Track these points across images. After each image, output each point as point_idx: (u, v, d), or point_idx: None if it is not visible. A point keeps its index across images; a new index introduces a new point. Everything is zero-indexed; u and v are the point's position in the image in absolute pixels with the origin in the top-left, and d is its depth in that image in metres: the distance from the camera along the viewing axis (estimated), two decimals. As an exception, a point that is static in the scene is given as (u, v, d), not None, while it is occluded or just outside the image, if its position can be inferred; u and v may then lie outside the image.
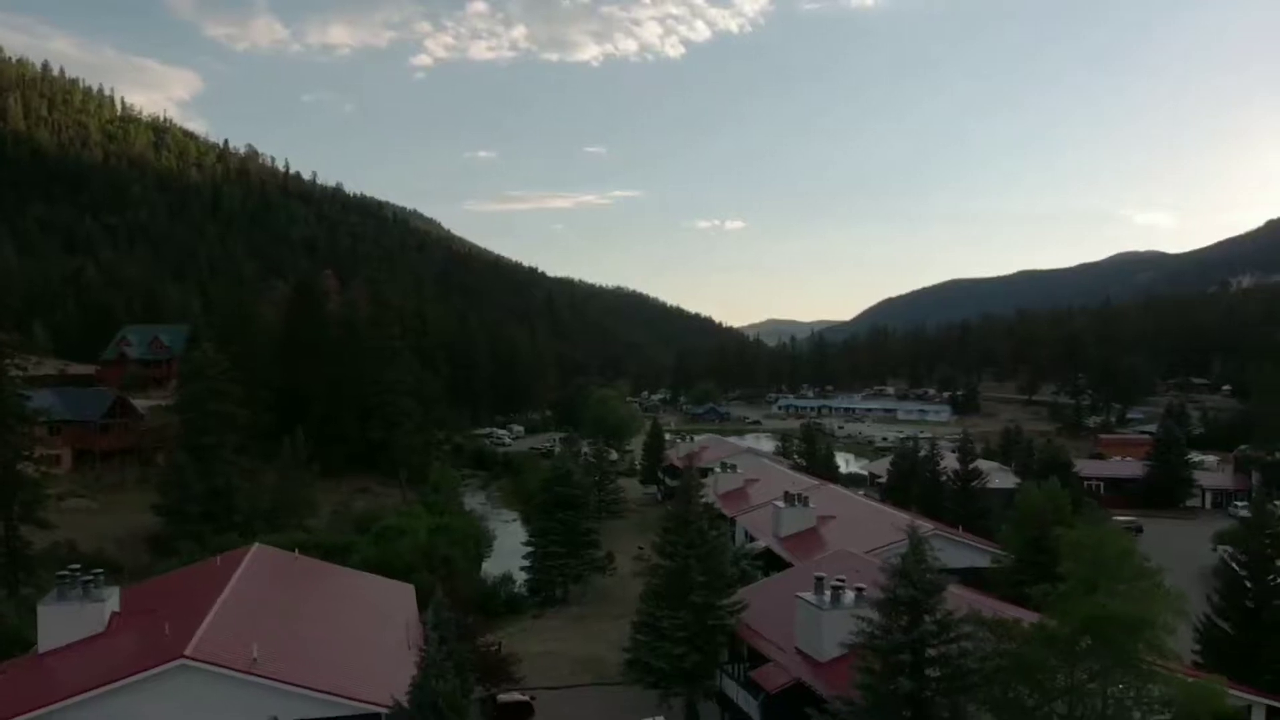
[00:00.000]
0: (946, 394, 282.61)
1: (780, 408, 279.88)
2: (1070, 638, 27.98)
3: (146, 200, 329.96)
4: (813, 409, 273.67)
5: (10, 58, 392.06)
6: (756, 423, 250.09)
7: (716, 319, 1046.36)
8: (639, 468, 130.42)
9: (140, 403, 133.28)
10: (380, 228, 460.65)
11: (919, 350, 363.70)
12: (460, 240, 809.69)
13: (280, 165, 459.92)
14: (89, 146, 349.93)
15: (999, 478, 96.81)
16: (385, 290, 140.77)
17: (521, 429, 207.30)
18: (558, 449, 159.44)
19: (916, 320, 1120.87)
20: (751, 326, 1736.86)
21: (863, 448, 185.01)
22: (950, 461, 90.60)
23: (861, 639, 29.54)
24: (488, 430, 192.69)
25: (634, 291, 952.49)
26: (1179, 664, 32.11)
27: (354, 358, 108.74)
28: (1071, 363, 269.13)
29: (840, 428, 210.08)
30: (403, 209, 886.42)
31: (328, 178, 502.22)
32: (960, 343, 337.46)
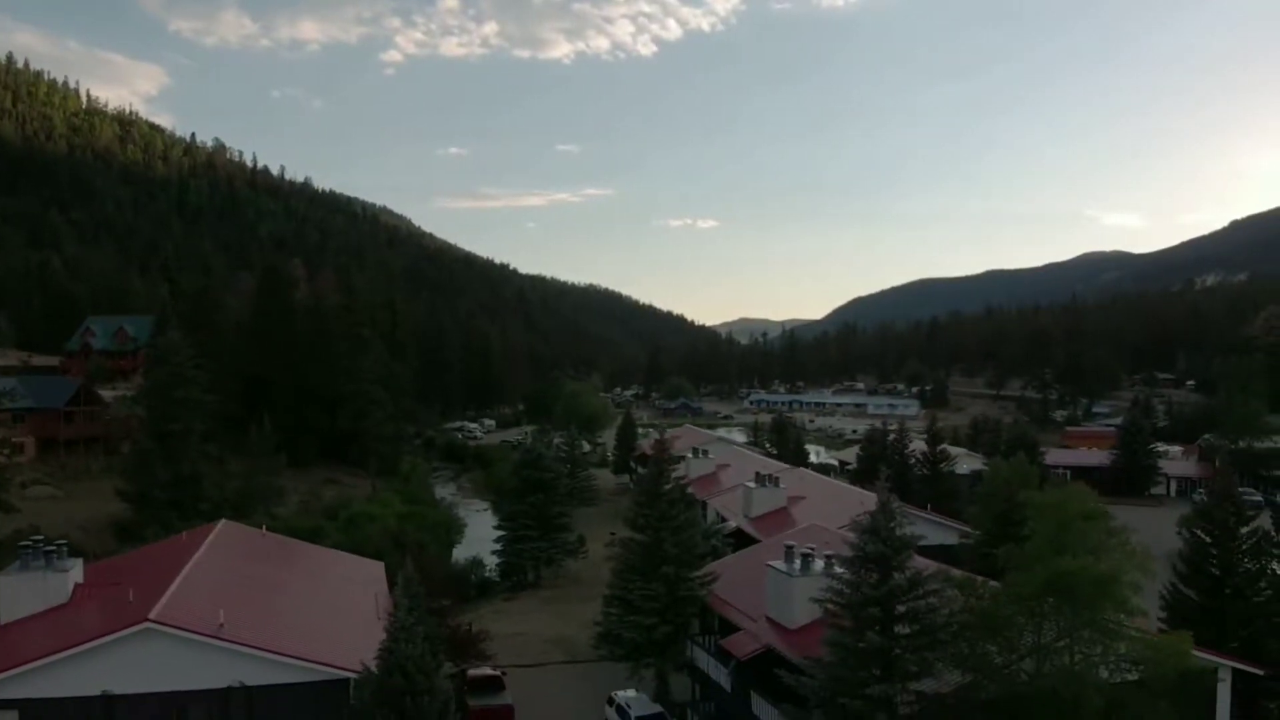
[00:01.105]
0: (915, 389, 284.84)
1: (752, 402, 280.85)
2: (1036, 595, 28.26)
3: (112, 194, 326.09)
4: (784, 404, 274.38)
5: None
6: (728, 417, 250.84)
7: (689, 317, 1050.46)
8: (611, 458, 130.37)
9: (106, 394, 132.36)
10: (349, 223, 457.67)
11: (887, 347, 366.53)
12: (431, 237, 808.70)
13: (248, 160, 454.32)
14: (53, 139, 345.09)
15: (967, 463, 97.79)
16: (354, 281, 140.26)
17: (493, 423, 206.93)
18: (530, 440, 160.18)
19: (887, 319, 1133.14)
20: (724, 325, 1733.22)
21: (833, 440, 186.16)
22: (919, 446, 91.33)
23: (832, 595, 29.70)
24: (459, 424, 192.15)
25: (607, 290, 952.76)
26: (1146, 623, 32.46)
27: (322, 347, 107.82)
28: (1039, 358, 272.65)
29: (811, 421, 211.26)
30: (372, 205, 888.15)
31: (296, 173, 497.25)
32: (929, 339, 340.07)
